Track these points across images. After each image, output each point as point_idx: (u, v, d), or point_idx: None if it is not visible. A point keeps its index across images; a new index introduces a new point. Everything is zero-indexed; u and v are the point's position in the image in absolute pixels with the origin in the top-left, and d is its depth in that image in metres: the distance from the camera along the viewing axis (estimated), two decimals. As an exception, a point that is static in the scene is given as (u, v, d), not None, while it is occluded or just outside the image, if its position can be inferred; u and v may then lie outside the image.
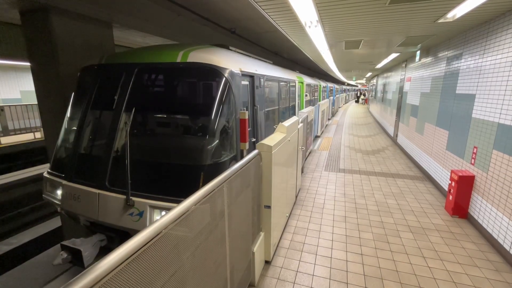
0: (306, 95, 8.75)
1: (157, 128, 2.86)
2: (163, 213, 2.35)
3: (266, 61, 5.05)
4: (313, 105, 9.78)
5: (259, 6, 3.08)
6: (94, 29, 3.84)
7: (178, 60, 2.78)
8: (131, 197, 2.39)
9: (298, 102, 7.49)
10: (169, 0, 3.29)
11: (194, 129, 2.73)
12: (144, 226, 2.19)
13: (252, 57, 4.33)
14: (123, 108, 2.71)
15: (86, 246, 2.34)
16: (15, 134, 8.56)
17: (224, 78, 2.75)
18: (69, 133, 3.06)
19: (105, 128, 2.77)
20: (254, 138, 3.65)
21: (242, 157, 2.75)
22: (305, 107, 8.45)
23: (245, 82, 3.31)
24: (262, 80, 3.90)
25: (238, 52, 3.82)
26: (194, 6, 3.66)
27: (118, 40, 5.76)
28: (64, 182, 2.77)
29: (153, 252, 1.10)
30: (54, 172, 2.96)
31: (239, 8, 3.72)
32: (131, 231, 2.45)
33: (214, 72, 2.74)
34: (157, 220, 1.17)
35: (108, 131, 2.71)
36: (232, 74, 2.87)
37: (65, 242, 2.31)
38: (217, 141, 2.61)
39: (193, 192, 1.50)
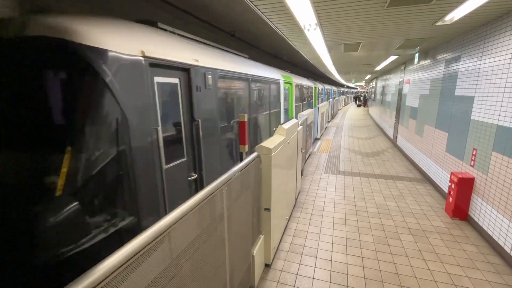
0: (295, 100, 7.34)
1: None
2: None
3: (227, 50, 3.73)
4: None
5: (259, 9, 3.10)
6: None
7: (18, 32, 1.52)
8: None
9: (285, 109, 5.93)
10: (169, 4, 3.31)
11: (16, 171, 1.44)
12: None
13: (195, 39, 3.00)
14: None
15: None
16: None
17: (89, 64, 1.49)
18: None
19: None
20: (193, 173, 2.58)
21: (241, 160, 2.74)
22: (295, 116, 6.93)
23: (170, 80, 2.20)
24: (210, 77, 2.72)
25: (168, 30, 2.56)
26: (195, 10, 3.68)
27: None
28: None
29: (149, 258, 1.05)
30: None
31: (238, 11, 3.74)
32: None
33: (68, 52, 1.47)
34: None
35: None
36: (114, 59, 1.62)
37: None
38: (76, 201, 1.41)
39: None
